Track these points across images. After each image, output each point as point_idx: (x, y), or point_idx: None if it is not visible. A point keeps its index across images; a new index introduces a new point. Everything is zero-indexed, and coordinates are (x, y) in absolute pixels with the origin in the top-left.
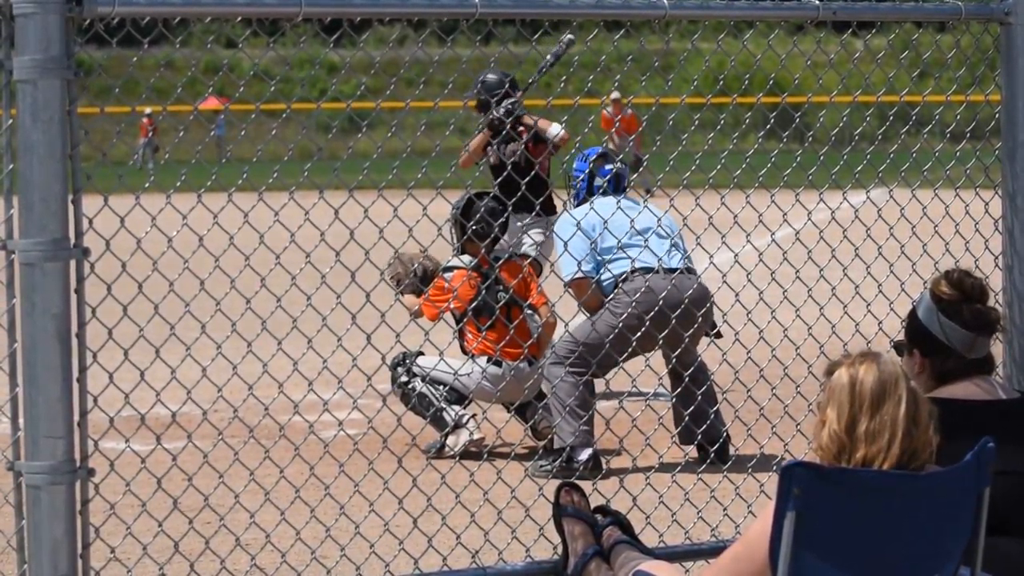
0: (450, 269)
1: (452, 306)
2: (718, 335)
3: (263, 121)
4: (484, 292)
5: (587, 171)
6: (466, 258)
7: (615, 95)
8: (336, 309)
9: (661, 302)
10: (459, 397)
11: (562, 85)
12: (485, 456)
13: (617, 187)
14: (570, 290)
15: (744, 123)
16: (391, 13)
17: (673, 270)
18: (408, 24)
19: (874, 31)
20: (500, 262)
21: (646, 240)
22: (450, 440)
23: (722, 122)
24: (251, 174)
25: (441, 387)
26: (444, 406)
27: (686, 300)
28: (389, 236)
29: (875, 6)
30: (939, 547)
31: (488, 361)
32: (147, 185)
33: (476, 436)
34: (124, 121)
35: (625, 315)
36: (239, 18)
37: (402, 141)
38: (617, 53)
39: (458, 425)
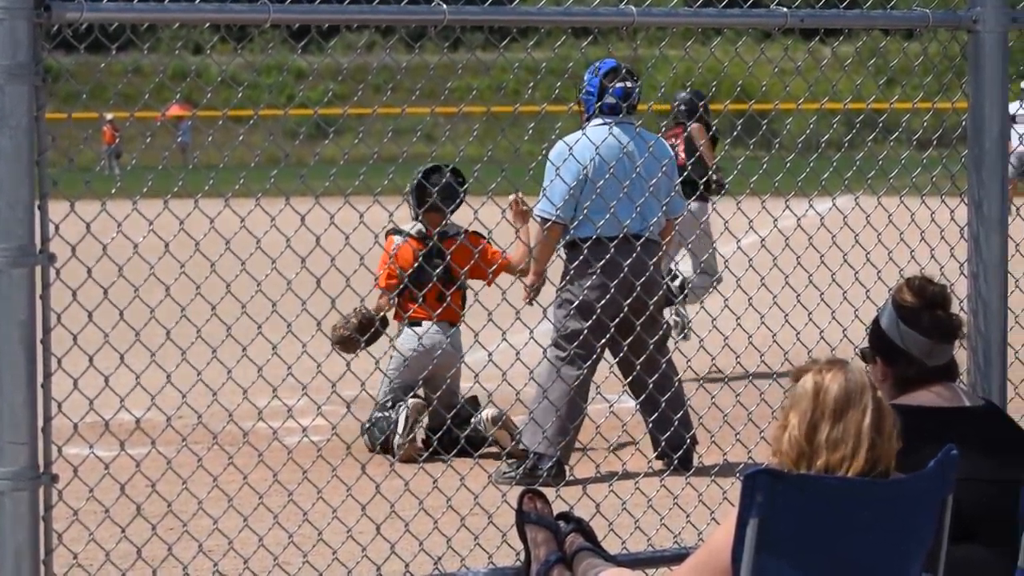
0: (402, 234)
1: (405, 274)
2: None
3: (230, 127)
4: (428, 261)
5: (598, 86)
6: (419, 227)
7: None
8: (301, 316)
9: (613, 289)
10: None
11: (529, 92)
12: (449, 461)
13: (629, 109)
14: (536, 218)
15: (712, 129)
16: (359, 19)
17: (639, 236)
18: (376, 30)
19: (841, 38)
20: (450, 238)
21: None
22: (397, 437)
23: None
24: (217, 180)
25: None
26: (385, 414)
27: (638, 288)
28: (355, 242)
29: (842, 13)
30: (902, 554)
31: (416, 324)
32: (113, 191)
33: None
34: (92, 127)
35: (586, 293)
36: (207, 24)
37: (369, 147)
38: (585, 60)
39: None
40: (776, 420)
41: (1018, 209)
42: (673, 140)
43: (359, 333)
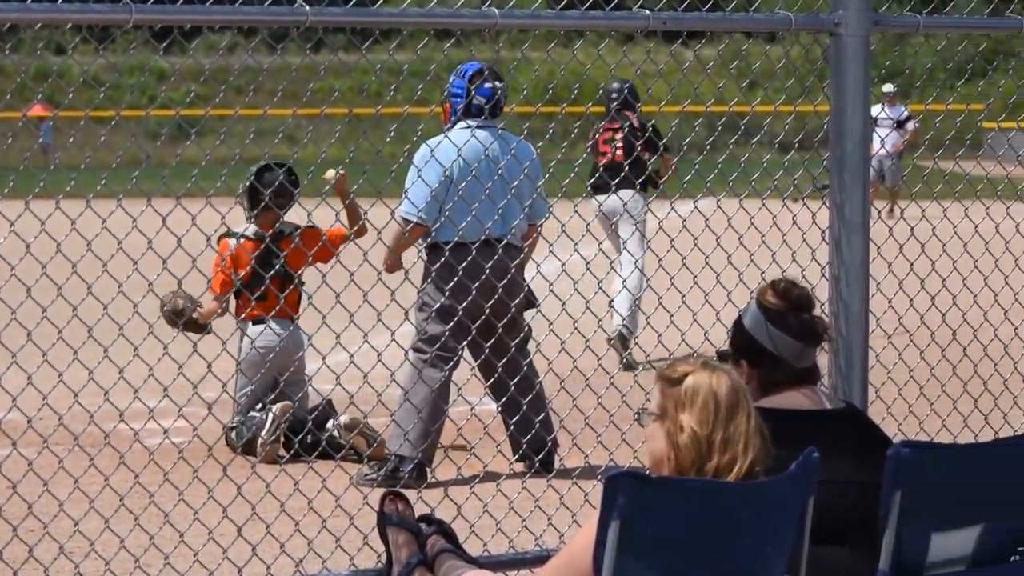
0: (236, 236)
1: (235, 274)
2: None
3: (92, 128)
4: (264, 262)
5: (464, 88)
6: (253, 228)
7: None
8: (162, 317)
9: (475, 292)
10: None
11: (391, 93)
12: (311, 463)
13: (494, 111)
14: (398, 220)
15: (573, 132)
16: (221, 20)
17: (500, 239)
18: (238, 32)
19: (703, 41)
20: (287, 237)
21: (486, 191)
22: (262, 438)
23: (551, 131)
24: (79, 181)
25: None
26: (252, 415)
27: (499, 291)
28: (217, 244)
29: (705, 16)
30: (765, 557)
31: (255, 324)
32: None
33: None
34: None
35: (447, 297)
36: (69, 24)
37: (231, 149)
38: (448, 62)
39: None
40: (639, 424)
41: (879, 212)
42: (609, 134)
43: (176, 317)
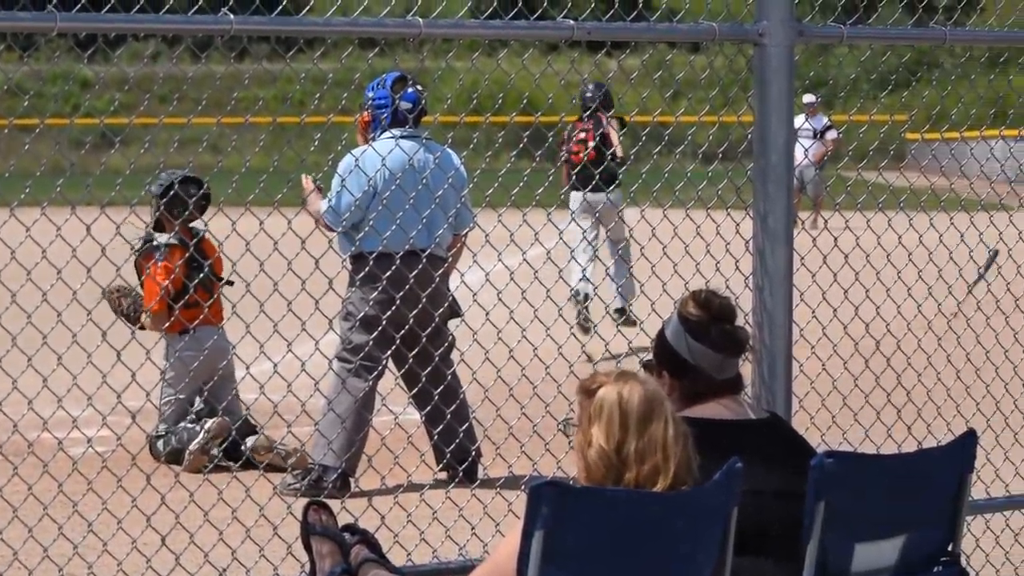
0: (159, 247)
1: (169, 284)
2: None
3: (16, 136)
4: (191, 268)
5: (388, 96)
6: (164, 236)
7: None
8: (86, 326)
9: (399, 302)
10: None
11: (315, 102)
12: (234, 472)
13: (418, 119)
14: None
15: (497, 142)
16: (146, 29)
17: (425, 250)
18: (162, 40)
19: (628, 51)
20: (205, 239)
21: (411, 201)
22: (191, 449)
23: (475, 141)
24: (2, 189)
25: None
26: (185, 425)
27: (424, 301)
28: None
29: (629, 26)
30: (689, 567)
31: (182, 334)
32: None
33: (208, 435)
34: None
35: (371, 307)
36: None
37: (155, 157)
38: (371, 71)
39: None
40: (563, 434)
41: (803, 223)
42: (583, 134)
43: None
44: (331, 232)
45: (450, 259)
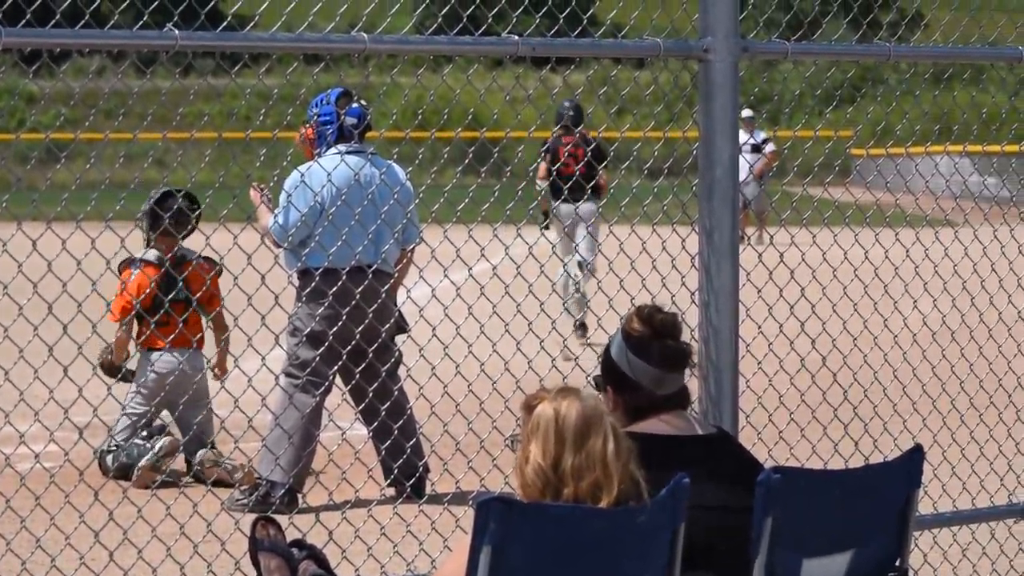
0: (139, 262)
1: (138, 301)
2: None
3: None
4: (166, 287)
5: (333, 112)
6: (153, 252)
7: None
8: (33, 341)
9: (345, 318)
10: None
11: (261, 118)
12: (182, 488)
13: (363, 134)
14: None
15: (443, 158)
16: (91, 44)
17: (371, 265)
18: (107, 55)
19: (573, 67)
20: (187, 261)
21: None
22: (140, 465)
23: (421, 157)
24: None
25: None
26: (135, 442)
27: (370, 316)
28: (87, 268)
29: (574, 42)
30: None
31: (154, 352)
32: None
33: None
34: None
35: (318, 322)
36: None
37: (101, 172)
38: (316, 86)
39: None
40: (510, 450)
41: (748, 238)
42: (571, 148)
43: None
44: (278, 248)
45: (396, 274)
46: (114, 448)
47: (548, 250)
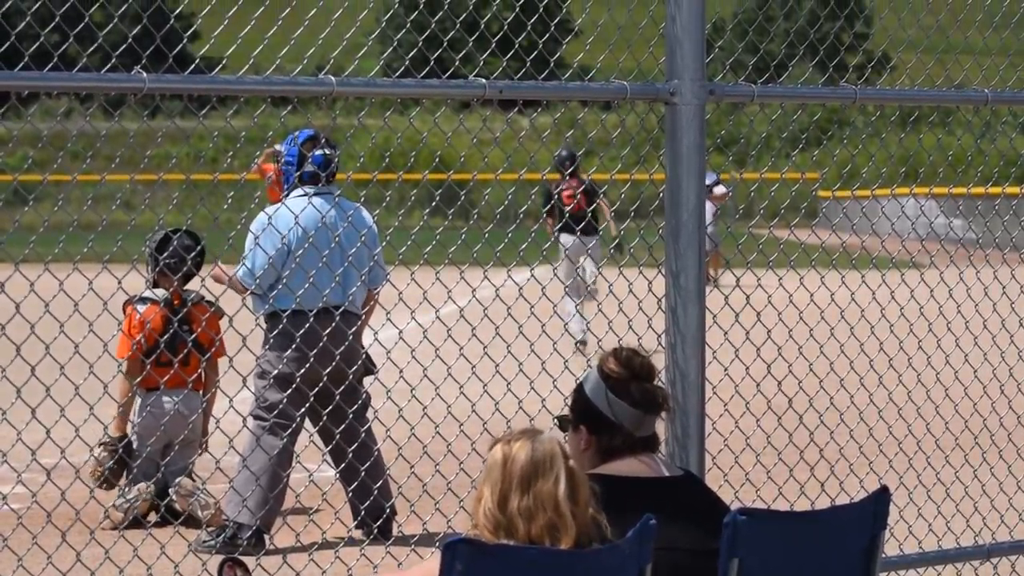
0: (144, 301)
1: (143, 339)
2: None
3: None
4: (172, 329)
5: (297, 155)
6: (160, 291)
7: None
8: (1, 382)
9: (313, 360)
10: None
11: (228, 160)
12: (149, 529)
13: (328, 177)
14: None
15: (410, 200)
16: (59, 87)
17: (339, 307)
18: (75, 97)
19: (540, 110)
20: (190, 303)
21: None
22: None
23: (388, 199)
24: None
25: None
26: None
27: (338, 358)
28: (55, 310)
29: (541, 85)
30: None
31: (151, 392)
32: None
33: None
34: None
35: (286, 364)
36: None
37: (69, 215)
38: (284, 129)
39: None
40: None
41: (715, 281)
42: (569, 190)
43: (113, 462)
44: (245, 291)
45: (363, 316)
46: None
47: (515, 292)
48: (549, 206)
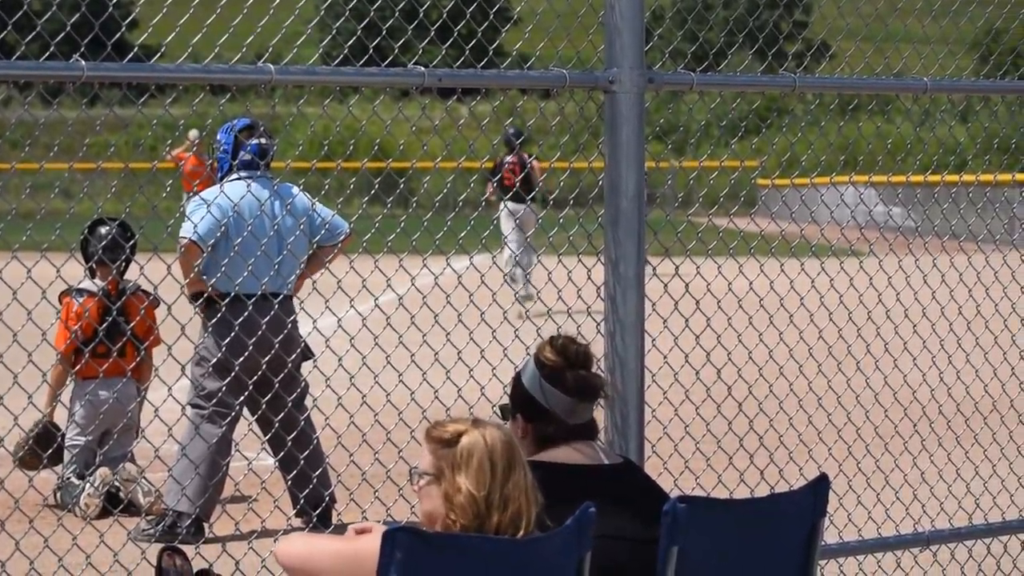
0: (81, 292)
1: (80, 330)
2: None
3: None
4: (109, 320)
5: (232, 143)
6: (98, 282)
7: None
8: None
9: (251, 347)
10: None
11: (167, 149)
12: (88, 519)
13: (265, 167)
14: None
15: (349, 188)
16: None
17: (277, 294)
18: (13, 86)
19: (479, 98)
20: (127, 293)
21: (262, 246)
22: (87, 495)
23: (327, 186)
24: None
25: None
26: (71, 479)
27: (276, 346)
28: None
29: (480, 73)
30: None
31: (87, 381)
32: None
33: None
34: None
35: (224, 352)
36: None
37: (7, 203)
38: (223, 117)
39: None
40: (410, 482)
41: (655, 268)
42: (508, 165)
43: (40, 448)
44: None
45: (327, 261)
46: (63, 484)
47: (455, 281)
48: (498, 177)
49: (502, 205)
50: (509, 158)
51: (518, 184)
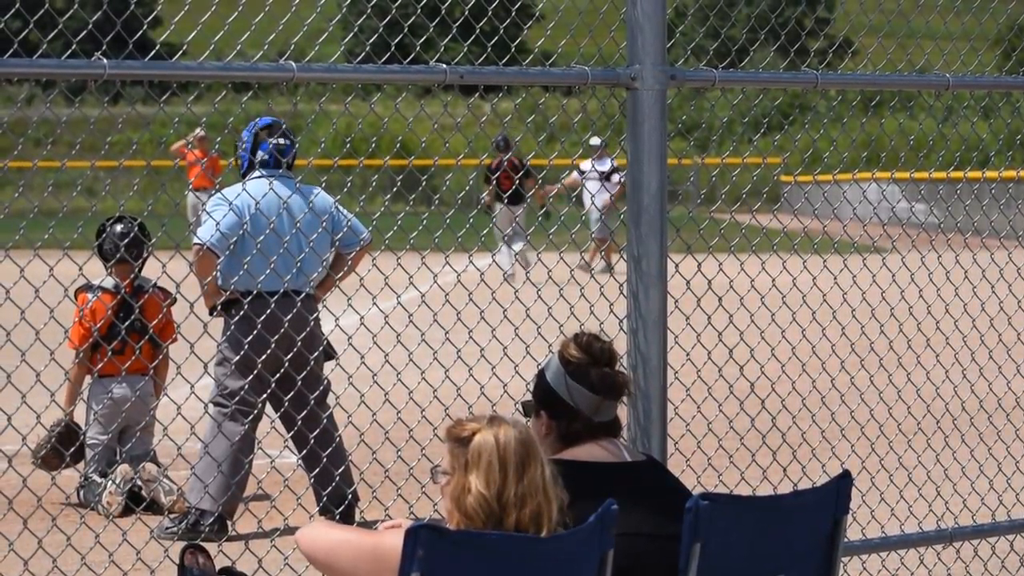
0: (97, 289)
1: (97, 328)
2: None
3: None
4: (123, 316)
5: (251, 140)
6: (111, 280)
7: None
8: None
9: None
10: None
11: (190, 146)
12: (110, 518)
13: (278, 163)
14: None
15: (371, 185)
16: (20, 73)
17: (299, 292)
18: (36, 84)
19: (501, 95)
20: (144, 291)
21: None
22: (109, 493)
23: (349, 184)
24: None
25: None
26: (93, 477)
27: (298, 344)
28: (16, 297)
29: (502, 70)
30: None
31: (110, 381)
32: None
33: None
34: None
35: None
36: None
37: (30, 201)
38: (245, 115)
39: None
40: (433, 480)
41: (612, 268)
42: (508, 169)
43: (62, 446)
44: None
45: (345, 270)
46: (85, 483)
47: (477, 278)
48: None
49: (498, 206)
50: (507, 158)
51: (517, 183)
